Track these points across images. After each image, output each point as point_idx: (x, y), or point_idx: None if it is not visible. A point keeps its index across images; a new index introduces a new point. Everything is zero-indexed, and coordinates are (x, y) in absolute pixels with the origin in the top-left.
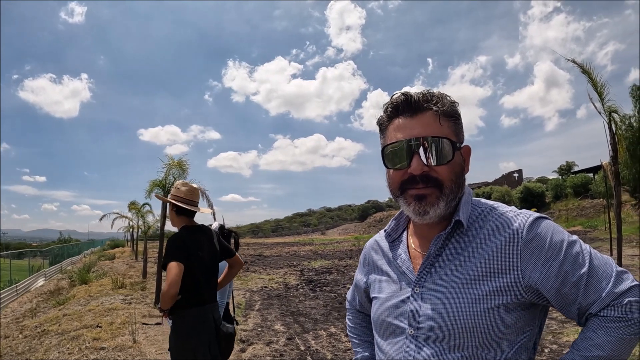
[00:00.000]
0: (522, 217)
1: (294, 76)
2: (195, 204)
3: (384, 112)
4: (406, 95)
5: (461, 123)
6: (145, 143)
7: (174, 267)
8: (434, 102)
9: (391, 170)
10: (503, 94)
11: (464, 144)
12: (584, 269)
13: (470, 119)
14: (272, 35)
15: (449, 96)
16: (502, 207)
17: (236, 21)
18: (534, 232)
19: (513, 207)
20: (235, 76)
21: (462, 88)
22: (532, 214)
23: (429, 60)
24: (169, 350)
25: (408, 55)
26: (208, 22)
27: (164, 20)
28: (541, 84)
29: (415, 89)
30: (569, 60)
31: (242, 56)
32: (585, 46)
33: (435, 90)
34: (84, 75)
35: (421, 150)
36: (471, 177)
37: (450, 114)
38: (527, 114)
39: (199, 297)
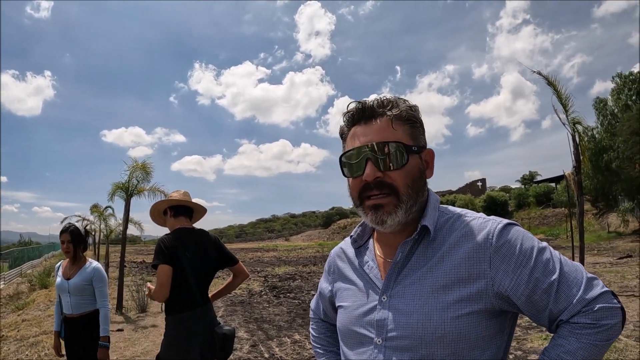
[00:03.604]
0: (491, 223)
1: (261, 80)
2: (189, 200)
3: (343, 122)
4: (361, 103)
5: (420, 127)
6: (109, 144)
7: (160, 270)
8: (388, 107)
9: (350, 179)
10: (469, 103)
11: (426, 148)
12: (555, 276)
13: (437, 127)
14: (241, 39)
15: (406, 100)
16: (470, 213)
17: (205, 24)
18: (504, 239)
19: (482, 214)
20: (202, 79)
21: (429, 96)
22: (502, 220)
23: (398, 68)
24: (157, 357)
25: (377, 62)
26: (177, 24)
27: (132, 19)
28: (507, 94)
29: (382, 96)
30: (534, 72)
31: (209, 59)
32: (552, 58)
33: (392, 95)
34: (48, 73)
35: (373, 156)
36: (436, 185)
37: (406, 118)
38: (492, 123)
39: (191, 300)
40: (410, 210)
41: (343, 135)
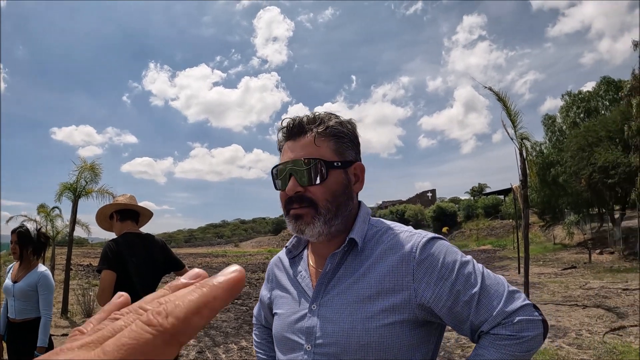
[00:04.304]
0: (416, 237)
1: (215, 84)
2: (135, 204)
3: (279, 137)
4: (292, 120)
5: (349, 142)
6: (58, 142)
7: (104, 276)
8: (317, 124)
9: (280, 192)
10: (423, 114)
11: (356, 162)
12: (476, 289)
13: (390, 138)
14: (198, 41)
15: (338, 117)
16: (398, 227)
17: (163, 23)
18: (427, 252)
19: (410, 227)
20: (156, 79)
21: (383, 107)
22: (427, 234)
23: (353, 77)
24: None
25: (333, 71)
26: (134, 21)
27: (89, 14)
28: (460, 107)
29: (337, 105)
30: (486, 87)
31: (165, 59)
32: (505, 74)
33: (324, 112)
34: None
35: (295, 172)
36: (386, 195)
37: (333, 134)
38: (444, 135)
39: None
40: (331, 222)
41: (280, 148)
